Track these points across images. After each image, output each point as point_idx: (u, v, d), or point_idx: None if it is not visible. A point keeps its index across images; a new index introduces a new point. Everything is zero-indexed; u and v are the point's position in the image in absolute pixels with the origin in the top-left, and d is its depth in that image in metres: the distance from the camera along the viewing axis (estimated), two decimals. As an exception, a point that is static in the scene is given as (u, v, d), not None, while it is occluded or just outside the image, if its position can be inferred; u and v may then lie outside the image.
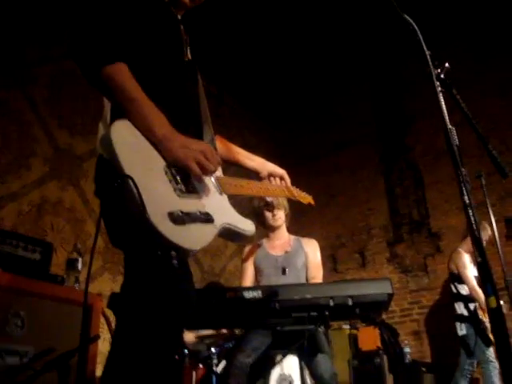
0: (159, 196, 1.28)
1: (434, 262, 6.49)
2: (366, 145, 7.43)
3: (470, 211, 1.19)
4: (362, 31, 6.51)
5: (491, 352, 4.63)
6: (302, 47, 6.73)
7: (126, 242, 1.37)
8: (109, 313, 2.76)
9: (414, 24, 1.49)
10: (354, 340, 5.63)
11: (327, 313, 2.27)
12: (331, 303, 2.22)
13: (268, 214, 3.41)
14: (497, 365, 4.58)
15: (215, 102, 6.82)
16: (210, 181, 1.53)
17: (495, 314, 1.08)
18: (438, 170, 6.26)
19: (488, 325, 4.58)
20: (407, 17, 1.51)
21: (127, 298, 1.34)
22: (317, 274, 3.30)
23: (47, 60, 4.72)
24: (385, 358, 5.42)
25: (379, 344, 5.51)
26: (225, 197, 1.57)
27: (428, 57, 1.44)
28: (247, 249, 3.48)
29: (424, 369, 5.51)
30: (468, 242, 4.92)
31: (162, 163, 1.35)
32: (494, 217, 3.56)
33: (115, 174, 1.23)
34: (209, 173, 1.44)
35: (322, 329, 2.84)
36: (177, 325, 1.34)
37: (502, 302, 3.58)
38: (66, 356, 2.25)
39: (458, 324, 4.87)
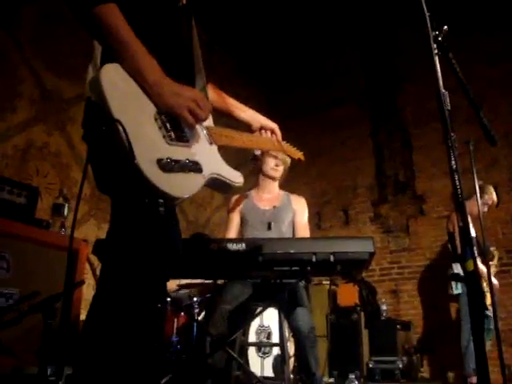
0: (148, 142, 1.27)
1: (416, 223, 6.60)
2: (356, 104, 7.40)
3: (456, 176, 1.21)
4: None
5: None
6: (296, 3, 6.58)
7: (114, 188, 1.37)
8: (93, 259, 2.80)
9: (414, -17, 1.46)
10: (333, 296, 5.78)
11: (309, 268, 2.31)
12: (313, 259, 2.25)
13: (271, 161, 3.34)
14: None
15: (206, 49, 6.70)
16: (201, 130, 1.51)
17: (471, 276, 1.12)
18: (426, 133, 6.28)
19: (486, 293, 4.65)
20: (409, -25, 1.48)
21: (113, 245, 1.35)
22: (303, 235, 3.26)
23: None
24: (362, 314, 5.58)
25: (357, 301, 5.66)
26: (214, 147, 1.55)
27: (427, 18, 1.43)
28: (234, 198, 3.40)
29: (399, 326, 5.68)
30: (468, 204, 4.87)
31: (152, 109, 1.33)
32: (479, 183, 3.61)
33: (104, 118, 1.21)
34: (200, 121, 1.43)
35: (302, 283, 2.89)
36: (162, 273, 1.34)
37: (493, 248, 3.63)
38: (50, 300, 2.28)
39: (453, 283, 4.92)
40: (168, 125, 1.34)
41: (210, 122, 1.60)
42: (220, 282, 3.30)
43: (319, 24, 7.08)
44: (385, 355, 5.41)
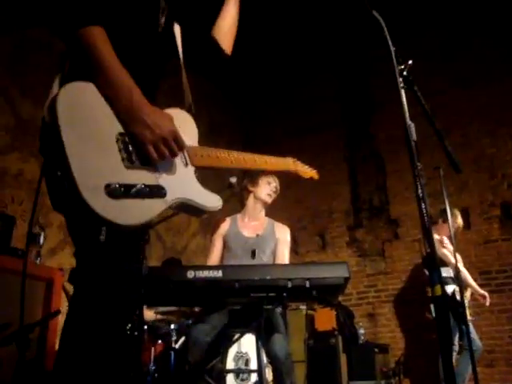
0: (100, 166, 1.22)
1: (392, 247, 6.69)
2: (331, 130, 7.52)
3: (423, 204, 1.26)
4: (330, 18, 6.54)
5: (456, 336, 4.76)
6: (270, 31, 6.71)
7: (63, 209, 1.37)
8: (69, 287, 2.77)
9: (381, 21, 1.53)
10: (310, 320, 5.78)
11: (285, 294, 2.33)
12: (289, 285, 2.27)
13: (267, 188, 3.40)
14: (456, 348, 4.75)
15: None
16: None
17: (439, 301, 1.16)
18: (399, 158, 6.41)
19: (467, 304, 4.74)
20: (376, 13, 1.55)
21: (74, 270, 1.36)
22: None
23: (10, 28, 4.58)
24: (340, 338, 5.59)
25: (335, 325, 5.68)
26: (191, 169, 1.50)
27: (393, 53, 1.50)
28: (219, 221, 3.39)
29: (376, 349, 5.71)
30: (438, 228, 5.01)
31: (115, 130, 1.29)
32: (451, 207, 3.71)
33: (53, 138, 1.19)
34: (169, 157, 1.39)
35: (279, 309, 2.91)
36: (115, 301, 1.30)
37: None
38: (25, 330, 2.25)
39: (432, 306, 4.96)
40: (130, 147, 1.30)
41: (193, 141, 1.56)
42: (197, 308, 3.29)
43: (296, 52, 7.22)
44: (363, 379, 5.41)
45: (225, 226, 3.36)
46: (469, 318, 4.70)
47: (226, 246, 3.32)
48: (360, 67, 7.53)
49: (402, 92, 1.46)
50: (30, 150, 4.60)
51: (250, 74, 7.57)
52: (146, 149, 1.32)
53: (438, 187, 3.72)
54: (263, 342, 2.89)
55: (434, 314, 4.93)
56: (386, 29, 1.51)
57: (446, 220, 4.75)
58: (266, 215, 3.56)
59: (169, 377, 3.44)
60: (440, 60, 6.66)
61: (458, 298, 4.70)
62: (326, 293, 2.43)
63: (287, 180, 7.31)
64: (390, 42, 1.49)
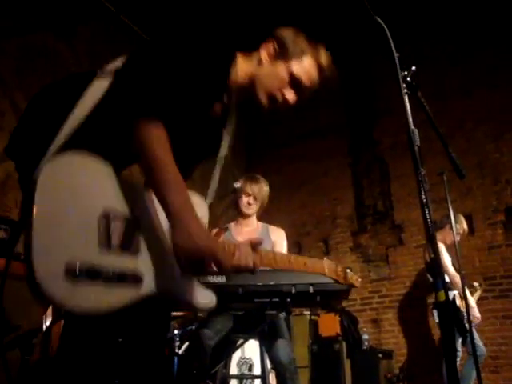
0: (68, 245, 1.11)
1: (396, 253, 6.67)
2: (336, 135, 7.53)
3: (426, 210, 1.26)
4: (333, 23, 6.55)
5: (458, 341, 4.74)
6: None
7: None
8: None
9: (384, 26, 1.54)
10: (314, 326, 5.77)
11: (289, 299, 2.34)
12: (293, 290, 2.28)
13: (244, 199, 3.38)
14: (460, 354, 4.74)
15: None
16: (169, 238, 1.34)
17: (443, 307, 1.16)
18: (403, 163, 6.40)
19: (465, 314, 4.72)
20: (379, 19, 1.55)
21: None
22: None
23: (16, 32, 4.62)
24: (344, 344, 5.58)
25: (339, 330, 5.66)
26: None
27: (396, 59, 1.50)
28: (214, 232, 3.40)
29: (380, 355, 5.68)
30: (442, 233, 5.02)
31: (99, 208, 1.20)
32: (454, 212, 3.71)
33: (26, 204, 1.11)
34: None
35: (283, 315, 2.91)
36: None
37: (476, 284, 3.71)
38: (29, 335, 2.26)
39: (435, 311, 4.96)
40: (113, 228, 1.20)
41: (202, 213, 1.50)
42: (200, 314, 3.29)
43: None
44: (367, 385, 5.39)
45: (220, 236, 3.40)
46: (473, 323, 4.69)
47: None
48: (364, 73, 7.54)
49: (406, 98, 1.46)
50: (35, 154, 4.61)
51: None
52: (181, 264, 1.24)
53: (441, 193, 3.72)
54: (267, 347, 2.89)
55: (436, 320, 4.93)
56: (389, 35, 1.51)
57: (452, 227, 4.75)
58: (270, 220, 3.58)
59: (172, 382, 3.44)
60: (444, 65, 6.66)
61: (458, 303, 4.70)
62: (329, 298, 2.44)
63: (291, 185, 7.36)
64: (393, 48, 1.49)
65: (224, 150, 1.71)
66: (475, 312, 4.74)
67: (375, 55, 6.78)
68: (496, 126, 6.23)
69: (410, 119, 1.41)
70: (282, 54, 1.63)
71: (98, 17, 5.55)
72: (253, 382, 3.86)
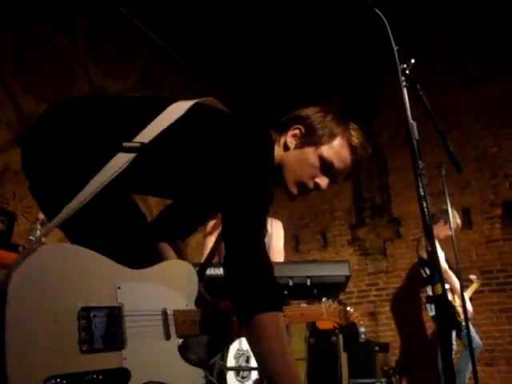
0: (46, 354, 1.02)
1: (393, 246, 6.68)
2: (334, 128, 7.51)
3: (424, 203, 1.26)
4: (333, 16, 6.54)
5: (453, 334, 4.79)
6: (274, 29, 6.72)
7: None
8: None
9: (384, 19, 1.53)
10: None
11: (286, 292, 2.35)
12: (290, 283, 2.29)
13: None
14: (455, 347, 4.77)
15: (185, 75, 6.78)
16: (161, 321, 1.28)
17: (440, 300, 1.16)
18: (402, 157, 6.40)
19: (458, 308, 4.77)
20: (378, 11, 1.55)
21: None
22: (276, 259, 3.27)
23: (13, 22, 4.59)
24: (340, 336, 5.59)
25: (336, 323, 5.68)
26: (174, 342, 1.30)
27: (395, 52, 1.49)
28: (212, 223, 3.39)
29: (377, 348, 5.71)
30: (435, 228, 5.05)
31: (78, 304, 1.11)
32: (452, 206, 3.71)
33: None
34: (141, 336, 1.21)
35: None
36: None
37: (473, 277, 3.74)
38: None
39: (428, 305, 5.03)
40: (94, 325, 1.11)
41: (188, 300, 1.39)
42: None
43: (299, 50, 7.23)
44: (364, 377, 5.41)
45: (217, 227, 3.36)
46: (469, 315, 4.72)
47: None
48: (364, 65, 7.52)
49: (405, 91, 1.46)
50: (32, 146, 4.60)
51: (253, 72, 7.57)
52: None
53: (439, 186, 3.73)
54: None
55: (430, 313, 4.95)
56: (388, 27, 1.50)
57: (447, 221, 4.80)
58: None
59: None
60: (443, 59, 6.65)
61: (450, 298, 4.74)
62: (327, 291, 2.44)
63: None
64: (392, 41, 1.49)
65: None
66: (468, 306, 4.77)
67: (375, 48, 6.78)
68: (494, 119, 6.23)
69: (409, 112, 1.41)
70: (310, 137, 1.54)
71: (98, 8, 5.52)
72: (250, 373, 3.88)
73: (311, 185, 1.53)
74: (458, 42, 6.64)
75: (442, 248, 5.05)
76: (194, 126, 1.39)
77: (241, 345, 3.88)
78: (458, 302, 4.86)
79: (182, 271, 1.44)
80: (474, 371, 3.16)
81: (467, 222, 6.15)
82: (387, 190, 6.93)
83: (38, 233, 3.07)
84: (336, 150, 1.54)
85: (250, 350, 3.91)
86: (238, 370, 3.88)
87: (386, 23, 1.53)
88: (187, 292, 1.40)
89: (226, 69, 7.33)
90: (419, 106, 1.58)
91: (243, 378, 3.88)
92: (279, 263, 3.09)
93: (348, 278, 2.34)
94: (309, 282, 2.29)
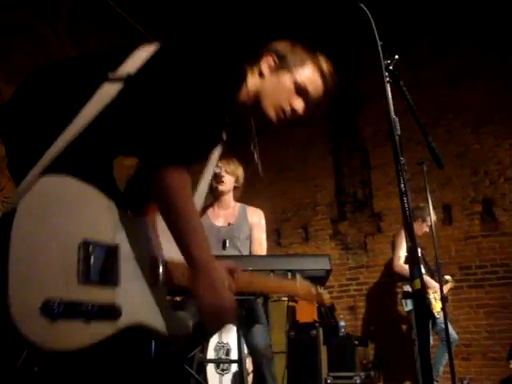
0: (45, 279, 1.07)
1: (374, 241, 6.74)
2: (317, 122, 7.53)
3: (405, 199, 1.27)
4: (316, 11, 6.53)
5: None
6: (255, 23, 6.69)
7: None
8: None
9: (369, 14, 1.53)
10: (292, 312, 5.81)
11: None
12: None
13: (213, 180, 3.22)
14: (431, 341, 4.85)
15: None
16: (156, 267, 1.32)
17: (418, 295, 1.17)
18: (384, 152, 6.43)
19: (432, 300, 4.89)
20: (363, 6, 1.54)
21: None
22: (259, 251, 3.24)
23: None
24: (320, 330, 5.64)
25: (316, 317, 5.72)
26: (163, 289, 1.34)
27: (379, 47, 1.49)
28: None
29: (356, 342, 5.76)
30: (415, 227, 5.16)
31: (80, 236, 1.15)
32: (433, 202, 3.75)
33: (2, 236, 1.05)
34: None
35: (260, 300, 2.92)
36: None
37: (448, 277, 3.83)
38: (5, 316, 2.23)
39: (404, 301, 5.11)
40: (92, 258, 1.15)
41: (179, 256, 1.39)
42: (178, 298, 3.28)
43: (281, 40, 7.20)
44: (343, 371, 5.47)
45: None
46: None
47: None
48: (346, 61, 7.53)
49: (388, 86, 1.46)
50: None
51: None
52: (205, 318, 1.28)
53: (421, 182, 3.76)
54: (244, 332, 2.90)
55: (405, 308, 5.02)
56: (373, 22, 1.50)
57: (424, 219, 4.92)
58: (249, 205, 3.50)
59: (149, 366, 3.43)
60: (427, 56, 6.69)
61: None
62: (307, 285, 2.45)
63: (272, 172, 7.36)
64: (377, 36, 1.49)
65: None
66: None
67: (358, 43, 6.79)
68: (477, 117, 6.30)
69: (392, 108, 1.41)
70: (283, 65, 1.62)
71: (80, -5, 5.44)
72: (230, 366, 3.89)
73: (288, 109, 1.62)
74: (442, 38, 6.69)
75: (420, 246, 5.13)
76: (169, 62, 1.41)
77: (221, 338, 3.88)
78: (431, 295, 4.95)
79: None
80: (451, 365, 3.21)
81: (448, 218, 6.23)
82: (369, 185, 6.97)
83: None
84: (308, 74, 1.66)
85: (230, 343, 3.92)
86: (218, 362, 3.88)
87: (371, 19, 1.53)
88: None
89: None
90: (402, 101, 1.58)
91: (223, 370, 3.89)
92: (260, 256, 3.10)
93: (329, 272, 2.34)
94: (290, 276, 2.29)
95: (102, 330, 1.12)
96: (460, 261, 6.04)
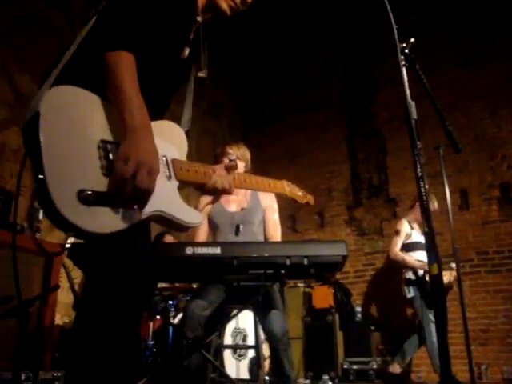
0: (76, 172, 1.19)
1: (390, 226, 6.70)
2: (332, 108, 7.49)
3: (422, 183, 1.26)
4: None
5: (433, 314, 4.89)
6: (271, 9, 6.62)
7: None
8: (69, 263, 2.79)
9: (384, -2, 1.51)
10: (308, 298, 5.84)
11: (283, 271, 2.35)
12: (287, 262, 2.29)
13: (225, 162, 3.09)
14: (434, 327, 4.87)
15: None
16: (162, 164, 1.42)
17: (436, 279, 1.17)
18: (400, 137, 6.39)
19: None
20: (378, -11, 1.53)
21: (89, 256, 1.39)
22: (273, 233, 3.23)
23: (7, 0, 4.52)
24: (336, 316, 5.65)
25: (332, 302, 5.73)
26: (174, 183, 1.46)
27: (395, 31, 1.48)
28: (203, 200, 3.30)
29: (373, 327, 5.77)
30: (414, 212, 5.23)
31: (98, 136, 1.27)
32: (450, 187, 3.71)
33: (32, 138, 1.18)
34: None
35: (277, 286, 2.93)
36: (131, 283, 1.32)
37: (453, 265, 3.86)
38: (25, 304, 2.27)
39: (405, 288, 5.12)
40: (111, 155, 1.27)
41: (181, 154, 1.54)
42: (195, 285, 3.30)
43: (297, 29, 7.14)
44: (359, 356, 5.49)
45: (209, 205, 3.29)
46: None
47: (212, 224, 3.25)
48: (362, 44, 7.46)
49: (404, 70, 1.45)
50: (29, 125, 4.57)
51: (250, 52, 7.50)
52: (121, 174, 1.22)
53: (437, 167, 3.72)
54: (261, 318, 2.92)
55: (408, 295, 5.10)
56: (388, 6, 1.49)
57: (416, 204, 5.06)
58: None
59: (167, 352, 3.49)
60: (443, 39, 6.59)
61: (428, 279, 4.83)
62: (323, 270, 2.46)
63: (287, 158, 7.35)
64: (392, 20, 1.47)
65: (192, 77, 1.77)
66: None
67: (373, 27, 6.71)
68: (494, 100, 6.20)
69: (408, 92, 1.40)
70: None
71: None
72: (246, 352, 3.93)
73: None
74: (457, 21, 6.58)
75: (417, 230, 5.25)
76: None
77: (238, 323, 3.92)
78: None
79: (174, 130, 1.58)
80: (468, 350, 3.20)
81: (465, 203, 6.17)
82: (385, 170, 6.92)
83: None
84: None
85: (246, 329, 3.95)
86: (234, 348, 3.92)
87: (386, 2, 1.51)
88: (181, 146, 1.56)
89: (222, 52, 7.26)
90: (418, 86, 1.57)
91: (240, 355, 3.94)
92: (276, 242, 3.10)
93: (345, 257, 2.34)
94: (306, 262, 2.30)
95: (129, 216, 1.26)
96: (477, 246, 5.99)
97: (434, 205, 4.99)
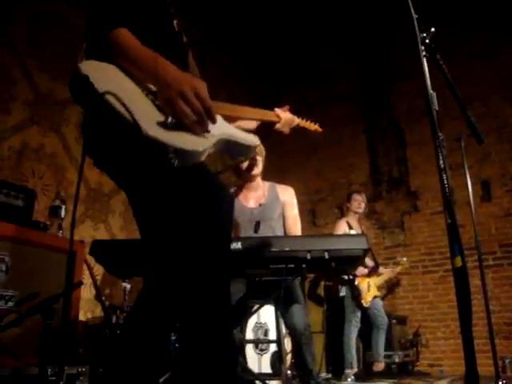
0: (144, 110, 1.28)
1: (411, 219, 6.65)
2: (350, 101, 7.44)
3: (444, 176, 1.24)
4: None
5: (357, 316, 5.08)
6: (290, 2, 6.60)
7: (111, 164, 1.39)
8: (90, 259, 2.82)
9: (403, -13, 1.49)
10: (329, 291, 5.82)
11: (304, 265, 2.35)
12: (308, 256, 2.28)
13: (247, 162, 3.21)
14: (359, 325, 5.07)
15: (200, 49, 6.72)
16: None
17: (460, 272, 1.15)
18: (419, 130, 6.33)
19: (365, 288, 5.10)
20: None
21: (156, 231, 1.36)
22: (294, 229, 3.22)
23: (27, 0, 4.57)
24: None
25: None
26: (219, 117, 1.49)
27: (415, 21, 1.46)
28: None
29: (394, 321, 5.73)
30: (350, 204, 5.44)
31: (141, 90, 1.35)
32: (471, 179, 3.66)
33: (94, 95, 1.22)
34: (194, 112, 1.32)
35: (298, 280, 2.93)
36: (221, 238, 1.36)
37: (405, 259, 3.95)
38: (49, 301, 2.31)
39: (340, 286, 5.29)
40: (157, 103, 1.34)
41: None
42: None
43: (315, 22, 7.10)
44: (381, 350, 5.45)
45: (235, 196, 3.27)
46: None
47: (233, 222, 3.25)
48: (381, 36, 7.38)
49: (424, 61, 1.42)
50: (50, 124, 4.63)
51: (269, 46, 7.48)
52: (169, 105, 1.29)
53: (458, 159, 3.67)
54: (282, 312, 2.92)
55: (340, 294, 5.27)
56: (408, -5, 1.46)
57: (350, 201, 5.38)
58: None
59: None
60: (463, 29, 6.49)
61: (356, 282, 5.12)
62: (344, 264, 2.44)
63: (306, 152, 7.32)
64: (412, 9, 1.45)
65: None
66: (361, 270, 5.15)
67: (391, 18, 6.63)
68: (515, 90, 6.10)
69: (429, 82, 1.38)
70: None
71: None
72: (268, 346, 3.93)
73: None
74: (478, 11, 6.48)
75: (349, 228, 5.28)
76: None
77: (259, 318, 3.92)
78: (365, 283, 5.14)
79: None
80: (492, 344, 3.16)
81: (487, 194, 6.09)
82: (405, 163, 6.86)
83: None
84: None
85: (268, 323, 3.95)
86: (256, 342, 3.93)
87: (406, -8, 1.49)
88: None
89: (241, 45, 7.25)
90: (437, 78, 1.54)
91: (262, 350, 3.93)
92: (296, 237, 3.09)
93: (366, 251, 2.32)
94: (327, 256, 2.28)
95: (207, 137, 1.34)
96: (500, 238, 5.91)
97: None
